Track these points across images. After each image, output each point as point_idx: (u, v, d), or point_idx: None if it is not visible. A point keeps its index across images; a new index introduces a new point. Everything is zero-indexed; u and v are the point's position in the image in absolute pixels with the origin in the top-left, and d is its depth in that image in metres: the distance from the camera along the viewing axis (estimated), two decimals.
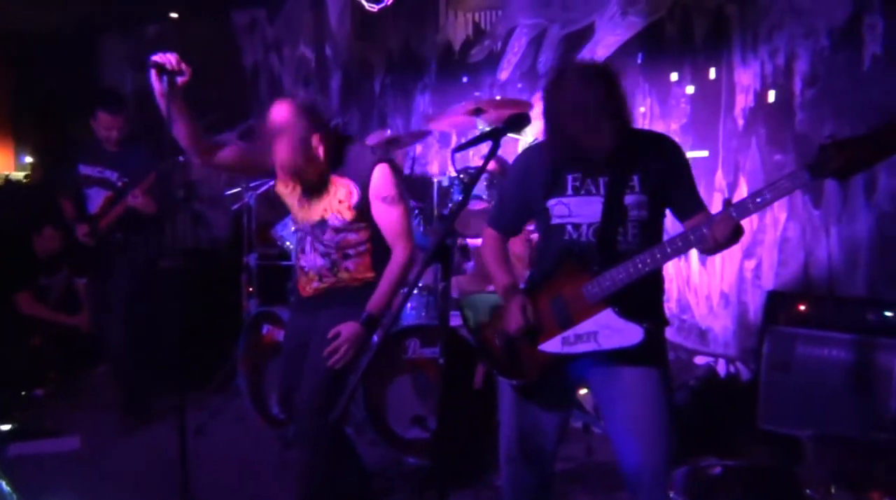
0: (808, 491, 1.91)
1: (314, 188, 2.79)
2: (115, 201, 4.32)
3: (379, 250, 2.82)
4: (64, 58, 6.72)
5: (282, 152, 2.70)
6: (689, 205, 2.28)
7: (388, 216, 2.75)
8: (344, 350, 2.67)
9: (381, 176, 2.74)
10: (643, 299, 2.22)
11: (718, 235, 2.02)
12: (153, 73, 2.62)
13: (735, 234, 2.03)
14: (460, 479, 3.50)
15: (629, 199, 2.24)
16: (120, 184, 4.34)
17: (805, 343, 3.43)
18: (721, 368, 4.23)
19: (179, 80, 2.65)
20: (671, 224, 2.34)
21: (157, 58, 2.61)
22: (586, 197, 2.27)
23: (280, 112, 2.70)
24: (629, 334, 2.16)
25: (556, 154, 2.29)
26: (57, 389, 5.06)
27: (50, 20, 6.46)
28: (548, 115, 2.26)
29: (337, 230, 2.79)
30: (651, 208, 2.27)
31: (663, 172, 2.26)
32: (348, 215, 2.76)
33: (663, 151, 2.30)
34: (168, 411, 4.42)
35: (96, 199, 4.40)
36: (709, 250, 2.07)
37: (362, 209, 2.76)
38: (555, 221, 2.32)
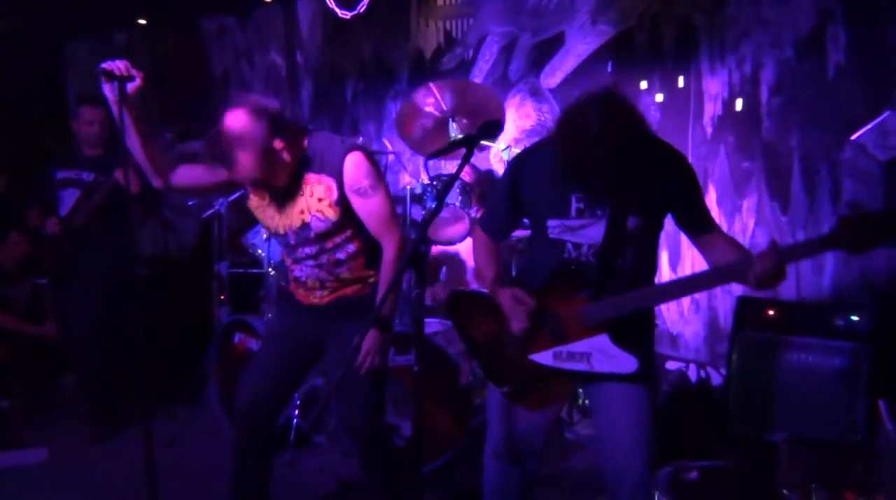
0: (784, 492, 1.93)
1: (287, 193, 2.62)
2: (88, 196, 4.22)
3: (369, 245, 2.69)
4: (30, 65, 6.61)
5: (244, 164, 2.49)
6: (699, 224, 2.24)
7: (366, 208, 2.59)
8: (371, 360, 2.60)
9: (352, 166, 2.55)
10: (639, 328, 2.22)
11: (764, 269, 1.97)
12: (102, 80, 2.50)
13: (780, 272, 1.98)
14: (435, 486, 3.50)
15: (632, 222, 2.20)
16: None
17: (774, 348, 3.48)
18: (692, 373, 4.27)
19: (130, 86, 2.51)
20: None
21: (105, 65, 2.49)
22: (590, 219, 2.22)
23: (235, 120, 2.48)
24: (624, 362, 2.15)
25: (560, 171, 2.16)
26: (23, 400, 4.97)
27: (16, 27, 6.35)
28: (559, 142, 2.12)
29: (321, 234, 2.63)
30: (651, 229, 2.26)
31: (670, 191, 2.21)
32: (332, 214, 2.59)
33: (671, 170, 2.22)
34: (137, 421, 4.36)
35: (69, 201, 4.32)
36: (752, 283, 2.00)
37: (346, 205, 2.59)
38: (554, 237, 2.28)
